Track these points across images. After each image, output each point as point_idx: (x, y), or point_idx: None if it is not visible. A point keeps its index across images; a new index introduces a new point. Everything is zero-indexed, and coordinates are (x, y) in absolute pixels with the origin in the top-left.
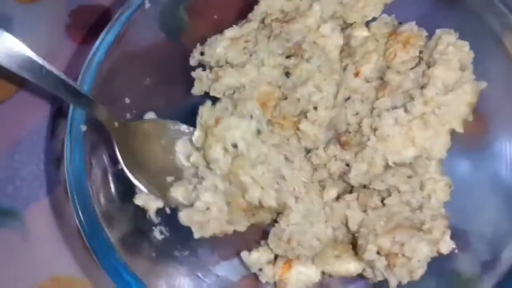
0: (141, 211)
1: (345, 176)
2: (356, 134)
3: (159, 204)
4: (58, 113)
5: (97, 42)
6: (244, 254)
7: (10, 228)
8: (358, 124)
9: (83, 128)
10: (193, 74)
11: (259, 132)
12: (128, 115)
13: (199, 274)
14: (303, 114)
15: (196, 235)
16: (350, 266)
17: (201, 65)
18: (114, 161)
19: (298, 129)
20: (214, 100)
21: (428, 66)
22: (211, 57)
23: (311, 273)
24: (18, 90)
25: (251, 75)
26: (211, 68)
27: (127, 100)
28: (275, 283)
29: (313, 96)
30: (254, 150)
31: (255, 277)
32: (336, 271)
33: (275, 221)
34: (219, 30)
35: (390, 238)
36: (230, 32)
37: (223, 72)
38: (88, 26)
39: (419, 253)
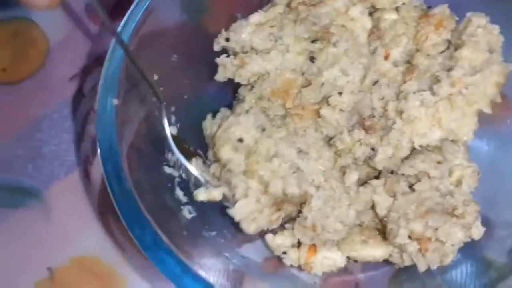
0: (169, 190)
1: (370, 161)
2: (380, 119)
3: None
4: (79, 93)
5: (123, 21)
6: (268, 237)
7: (31, 207)
8: (383, 108)
9: (115, 102)
10: (217, 60)
11: (263, 129)
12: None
13: (227, 255)
14: (325, 100)
15: (251, 231)
16: (377, 251)
17: (225, 51)
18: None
19: (319, 117)
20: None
21: (456, 48)
22: (236, 43)
23: (337, 257)
24: (38, 69)
25: (276, 62)
26: (235, 54)
27: (155, 77)
28: (299, 266)
29: (338, 80)
30: (263, 145)
31: (278, 258)
32: (362, 256)
33: (299, 211)
34: (241, 11)
35: (422, 222)
36: (255, 18)
37: (249, 59)
38: (108, 7)
39: (454, 238)
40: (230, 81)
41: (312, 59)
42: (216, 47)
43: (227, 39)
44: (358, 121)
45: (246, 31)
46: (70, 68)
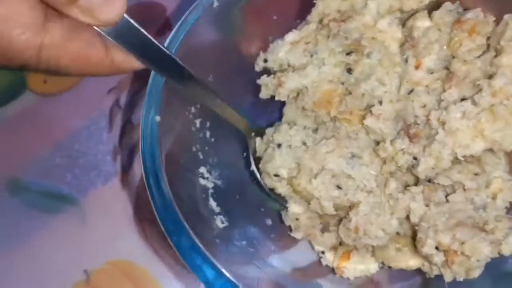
0: (204, 200)
1: (413, 169)
2: (425, 126)
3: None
4: (116, 105)
5: (168, 39)
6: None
7: (69, 213)
8: (426, 116)
9: (158, 119)
10: (258, 81)
11: (305, 144)
12: (193, 109)
13: (256, 264)
14: (369, 108)
15: (298, 236)
16: (411, 260)
17: (266, 71)
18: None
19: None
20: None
21: (496, 53)
22: (273, 63)
23: (370, 264)
24: (78, 82)
25: (313, 76)
26: (275, 73)
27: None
28: (333, 269)
29: (376, 90)
30: (304, 170)
31: (304, 270)
32: (396, 264)
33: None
34: (275, 31)
35: (450, 234)
36: (290, 37)
37: (285, 78)
38: (144, 23)
39: (480, 253)
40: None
41: (349, 70)
42: (257, 68)
43: (265, 60)
44: (403, 127)
45: (283, 50)
46: (108, 81)
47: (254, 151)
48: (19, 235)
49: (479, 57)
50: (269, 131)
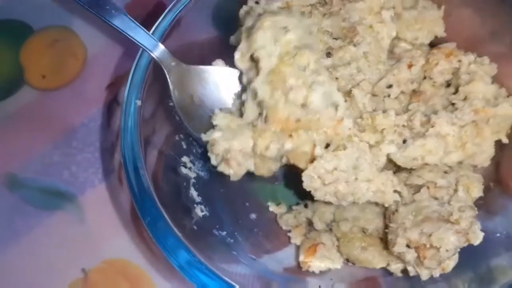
0: (184, 188)
1: (393, 154)
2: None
3: None
4: (113, 103)
5: (151, 31)
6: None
7: (66, 211)
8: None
9: (138, 103)
10: (241, 12)
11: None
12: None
13: (235, 253)
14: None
15: (233, 177)
16: (374, 259)
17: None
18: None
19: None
20: None
21: (457, 87)
22: (263, 10)
23: (335, 259)
24: (76, 78)
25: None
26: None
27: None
28: (298, 263)
29: (355, 76)
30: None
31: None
32: (360, 261)
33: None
34: None
35: (418, 230)
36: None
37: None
38: (142, 18)
39: (447, 243)
40: None
41: (328, 54)
42: (242, 12)
43: (257, 2)
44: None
45: (277, 4)
46: (106, 77)
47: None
48: (17, 231)
49: (446, 86)
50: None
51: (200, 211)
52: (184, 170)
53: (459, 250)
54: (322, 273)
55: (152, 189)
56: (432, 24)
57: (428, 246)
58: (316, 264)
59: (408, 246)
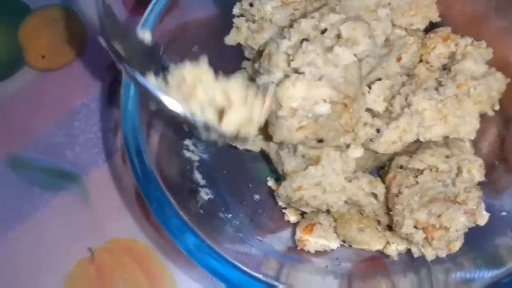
0: (188, 172)
1: (371, 143)
2: (386, 110)
3: None
4: (115, 82)
5: (147, 10)
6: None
7: (71, 191)
8: (388, 101)
9: (137, 106)
10: (235, 21)
11: None
12: None
13: (241, 235)
14: None
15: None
16: (371, 241)
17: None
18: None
19: None
20: None
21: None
22: (257, 12)
23: (331, 240)
24: (77, 58)
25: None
26: (254, 21)
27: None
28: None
29: None
30: None
31: (295, 247)
32: (357, 243)
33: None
34: None
35: (426, 211)
36: None
37: (268, 25)
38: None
39: (457, 223)
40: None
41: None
42: (236, 10)
43: (251, 4)
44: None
45: (271, 4)
46: (107, 57)
47: None
48: (22, 212)
49: (443, 67)
50: None
51: (205, 194)
52: (187, 154)
53: (466, 230)
54: (328, 253)
55: (156, 173)
56: (426, 10)
57: (437, 226)
58: (312, 243)
59: (415, 227)
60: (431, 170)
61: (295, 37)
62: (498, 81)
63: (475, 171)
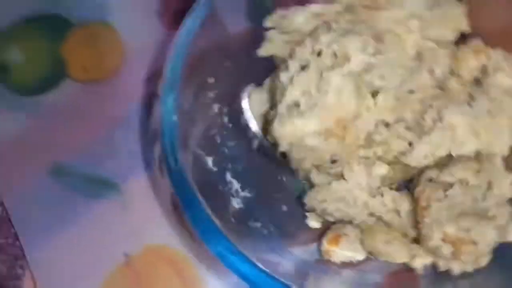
0: (222, 183)
1: (404, 157)
2: (418, 124)
3: None
4: (154, 95)
5: (181, 28)
6: None
7: (109, 199)
8: (420, 115)
9: (174, 118)
10: (267, 33)
11: None
12: (211, 94)
13: (270, 244)
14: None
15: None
16: (397, 254)
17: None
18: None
19: None
20: None
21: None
22: (289, 24)
23: (357, 251)
24: (116, 71)
25: None
26: (286, 33)
27: (211, 80)
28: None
29: (375, 81)
30: None
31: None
32: (383, 255)
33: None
34: None
35: (455, 225)
36: (313, 8)
37: (301, 36)
38: (176, 11)
39: (487, 238)
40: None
41: None
42: (269, 23)
43: (282, 16)
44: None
45: (301, 18)
46: (145, 71)
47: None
48: (64, 220)
49: (475, 81)
50: None
51: (236, 204)
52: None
53: (496, 245)
54: (355, 264)
55: (193, 184)
56: (456, 21)
57: (466, 240)
58: (338, 254)
59: (443, 240)
60: (461, 184)
61: (294, 66)
62: None
63: (506, 187)
